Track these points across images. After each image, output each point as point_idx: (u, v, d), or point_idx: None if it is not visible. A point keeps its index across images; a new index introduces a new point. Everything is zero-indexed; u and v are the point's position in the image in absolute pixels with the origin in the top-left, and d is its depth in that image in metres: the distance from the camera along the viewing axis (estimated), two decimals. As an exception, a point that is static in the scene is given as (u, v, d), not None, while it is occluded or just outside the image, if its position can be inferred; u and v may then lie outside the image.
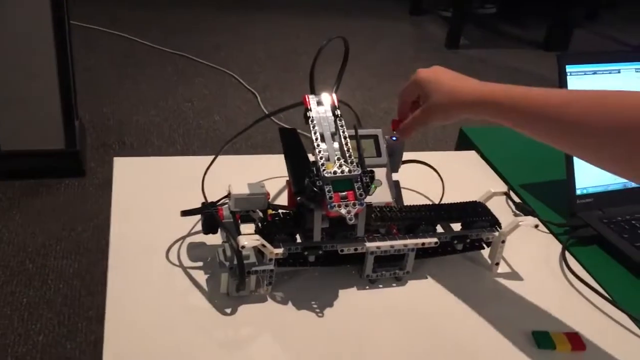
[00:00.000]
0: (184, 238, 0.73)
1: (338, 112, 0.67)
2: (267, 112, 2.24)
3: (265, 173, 0.85)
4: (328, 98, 0.68)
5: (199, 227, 0.72)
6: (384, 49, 3.09)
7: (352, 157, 0.65)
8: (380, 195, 0.74)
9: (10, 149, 1.75)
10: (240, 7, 3.35)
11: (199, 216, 0.71)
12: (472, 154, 1.02)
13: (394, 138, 0.80)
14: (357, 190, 0.63)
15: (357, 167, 0.64)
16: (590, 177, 0.86)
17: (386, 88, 2.65)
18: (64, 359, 1.27)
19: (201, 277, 0.68)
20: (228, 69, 2.62)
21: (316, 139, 0.65)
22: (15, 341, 1.29)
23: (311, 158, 0.67)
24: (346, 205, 0.62)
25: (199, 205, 0.70)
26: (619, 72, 0.87)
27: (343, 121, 0.67)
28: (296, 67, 2.71)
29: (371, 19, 3.46)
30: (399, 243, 0.68)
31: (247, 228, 0.66)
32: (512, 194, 0.88)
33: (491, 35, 3.48)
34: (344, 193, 0.62)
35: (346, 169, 0.63)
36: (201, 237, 0.72)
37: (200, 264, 0.70)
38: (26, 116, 1.72)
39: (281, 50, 2.89)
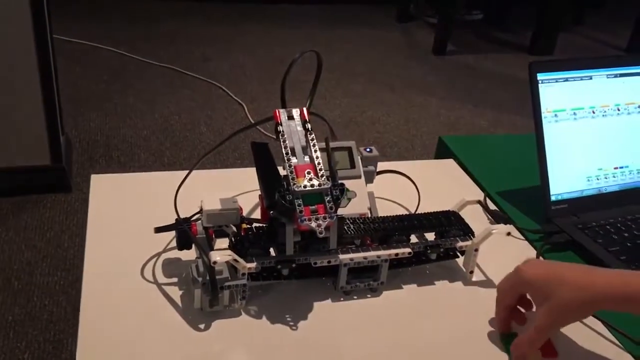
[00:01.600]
0: (159, 254, 0.74)
1: (308, 125, 0.68)
2: (253, 123, 2.24)
3: (242, 187, 0.85)
4: (298, 112, 0.69)
5: (174, 243, 0.72)
6: (372, 56, 3.10)
7: (323, 171, 0.65)
8: (355, 207, 0.74)
9: (-6, 166, 1.75)
10: (228, 19, 3.36)
11: (174, 232, 0.71)
12: (451, 163, 1.02)
13: (368, 150, 0.81)
14: (327, 204, 0.63)
15: (328, 180, 0.64)
16: (564, 183, 0.87)
17: (374, 96, 2.66)
18: (51, 376, 1.27)
19: (175, 293, 0.68)
20: (215, 80, 2.63)
21: (287, 153, 0.66)
22: None
23: (283, 172, 0.67)
24: (316, 219, 0.62)
25: (174, 221, 0.71)
26: (590, 79, 0.87)
27: (314, 135, 0.67)
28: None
29: (358, 26, 3.47)
30: (372, 254, 0.68)
31: (222, 243, 0.66)
32: (488, 201, 0.88)
33: (478, 41, 3.50)
34: (314, 207, 0.63)
35: (316, 183, 0.64)
36: (176, 253, 0.73)
37: (174, 280, 0.70)
38: (11, 132, 1.72)
39: (268, 61, 2.89)
